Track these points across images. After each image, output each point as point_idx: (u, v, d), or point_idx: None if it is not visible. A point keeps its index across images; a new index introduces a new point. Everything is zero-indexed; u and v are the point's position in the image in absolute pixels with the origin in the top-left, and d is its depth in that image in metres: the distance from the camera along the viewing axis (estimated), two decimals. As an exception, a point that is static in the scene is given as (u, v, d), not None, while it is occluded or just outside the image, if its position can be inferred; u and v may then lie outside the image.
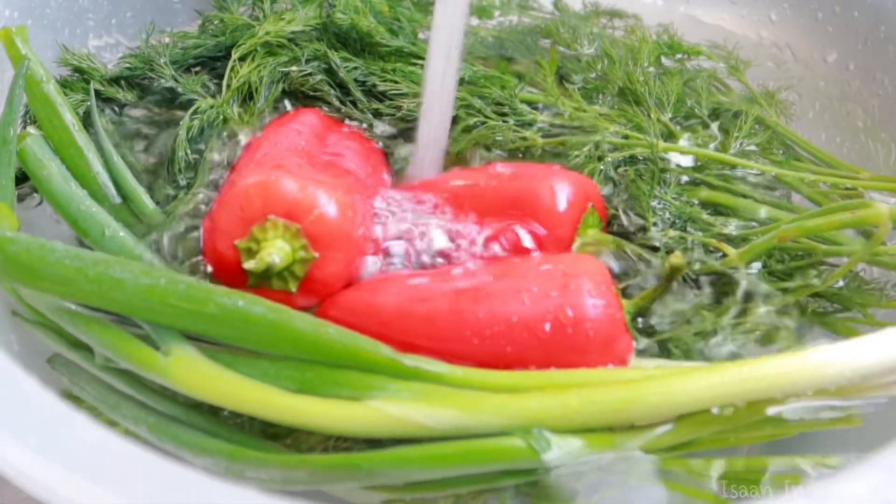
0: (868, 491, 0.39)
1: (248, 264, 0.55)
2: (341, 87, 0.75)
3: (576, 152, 0.69)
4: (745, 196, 0.68)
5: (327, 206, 0.56)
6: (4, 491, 0.55)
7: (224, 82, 0.74)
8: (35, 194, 0.67)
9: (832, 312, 0.62)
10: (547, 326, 0.52)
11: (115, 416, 0.52)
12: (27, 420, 0.40)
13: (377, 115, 0.74)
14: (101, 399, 0.53)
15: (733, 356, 0.57)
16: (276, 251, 0.55)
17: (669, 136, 0.72)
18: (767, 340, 0.58)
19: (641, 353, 0.57)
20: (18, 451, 0.39)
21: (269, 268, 0.54)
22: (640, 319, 0.59)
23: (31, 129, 0.64)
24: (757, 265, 0.63)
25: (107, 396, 0.53)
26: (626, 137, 0.71)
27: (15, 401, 0.42)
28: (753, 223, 0.66)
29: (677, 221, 0.65)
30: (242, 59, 0.75)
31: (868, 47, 0.82)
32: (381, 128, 0.73)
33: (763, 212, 0.67)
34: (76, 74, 0.75)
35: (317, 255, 0.56)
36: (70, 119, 0.65)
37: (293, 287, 0.57)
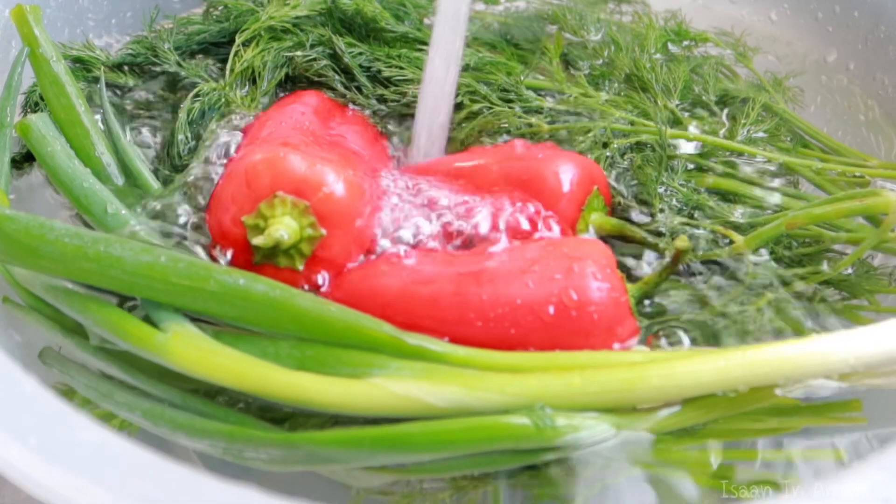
0: (867, 490, 0.39)
1: (257, 240, 0.54)
2: (346, 72, 0.75)
3: (581, 138, 0.69)
4: (752, 183, 0.68)
5: (335, 184, 0.56)
6: (4, 491, 0.55)
7: (228, 67, 0.74)
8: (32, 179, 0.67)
9: (839, 299, 0.61)
10: (551, 309, 0.52)
11: (109, 404, 0.51)
12: (27, 420, 0.41)
13: (382, 100, 0.74)
14: (94, 388, 0.52)
15: (738, 342, 0.56)
16: (284, 227, 0.54)
17: (676, 123, 0.72)
18: (773, 327, 0.58)
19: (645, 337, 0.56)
20: (18, 451, 0.39)
21: (277, 244, 0.54)
22: (645, 303, 0.58)
23: (30, 117, 0.64)
24: (765, 252, 0.62)
25: (100, 385, 0.52)
26: (633, 124, 0.70)
27: (15, 401, 0.42)
28: (768, 211, 0.66)
29: (684, 208, 0.65)
30: (246, 43, 0.75)
31: (868, 47, 0.82)
32: (386, 113, 0.73)
33: (770, 199, 0.66)
34: (77, 65, 0.75)
35: (324, 232, 0.56)
36: (77, 99, 0.64)
37: (300, 265, 0.57)
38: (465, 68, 0.72)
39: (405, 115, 0.73)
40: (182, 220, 0.61)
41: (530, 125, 0.71)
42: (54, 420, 0.41)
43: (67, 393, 0.53)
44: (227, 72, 0.73)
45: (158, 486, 0.38)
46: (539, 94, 0.73)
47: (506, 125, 0.71)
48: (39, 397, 0.42)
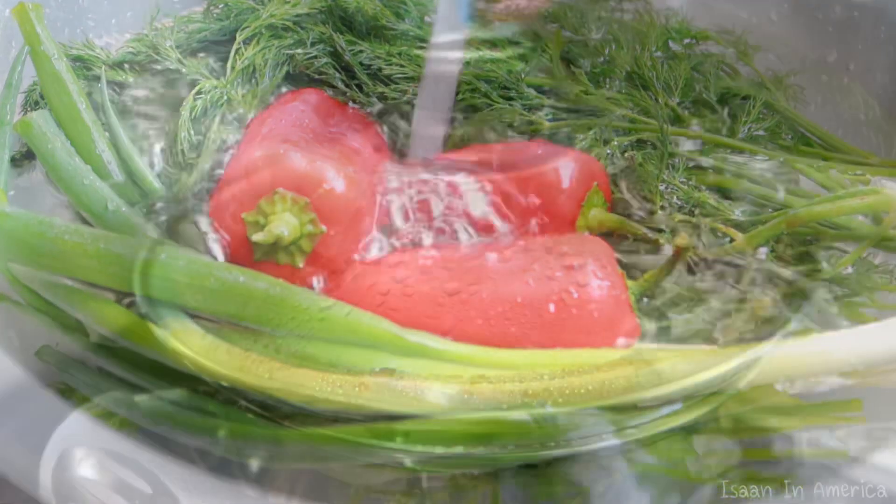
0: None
1: (257, 237, 0.54)
2: (346, 70, 0.74)
3: (582, 136, 0.69)
4: (753, 181, 0.67)
5: (336, 181, 0.56)
6: (4, 491, 0.55)
7: (228, 64, 0.74)
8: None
9: (840, 297, 0.61)
10: (551, 307, 0.52)
11: (107, 403, 0.51)
12: (27, 420, 0.41)
13: (382, 98, 0.73)
14: (93, 387, 0.52)
15: (738, 340, 0.56)
16: (284, 224, 0.54)
17: (677, 121, 0.72)
18: (774, 325, 0.58)
19: (646, 334, 0.56)
20: (18, 452, 0.39)
21: (277, 241, 0.54)
22: (645, 301, 0.58)
23: (31, 115, 0.64)
24: (765, 250, 0.62)
25: (98, 384, 0.52)
26: (633, 121, 0.70)
27: (15, 400, 0.42)
28: (768, 209, 0.65)
29: (685, 205, 0.65)
30: (247, 41, 0.75)
31: (868, 47, 0.82)
32: (386, 111, 0.73)
33: (771, 197, 0.66)
34: (77, 63, 0.75)
35: (325, 228, 0.56)
36: (78, 96, 0.65)
37: (300, 262, 0.57)
38: (466, 65, 0.72)
39: (406, 112, 0.73)
40: (182, 217, 0.61)
41: (531, 122, 0.71)
42: (54, 420, 0.41)
43: (66, 391, 0.53)
44: (228, 69, 0.73)
45: (159, 487, 0.38)
46: (540, 92, 0.73)
47: (506, 122, 0.71)
48: (39, 396, 0.42)
